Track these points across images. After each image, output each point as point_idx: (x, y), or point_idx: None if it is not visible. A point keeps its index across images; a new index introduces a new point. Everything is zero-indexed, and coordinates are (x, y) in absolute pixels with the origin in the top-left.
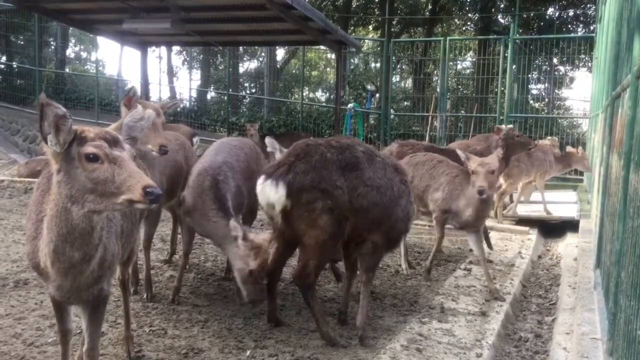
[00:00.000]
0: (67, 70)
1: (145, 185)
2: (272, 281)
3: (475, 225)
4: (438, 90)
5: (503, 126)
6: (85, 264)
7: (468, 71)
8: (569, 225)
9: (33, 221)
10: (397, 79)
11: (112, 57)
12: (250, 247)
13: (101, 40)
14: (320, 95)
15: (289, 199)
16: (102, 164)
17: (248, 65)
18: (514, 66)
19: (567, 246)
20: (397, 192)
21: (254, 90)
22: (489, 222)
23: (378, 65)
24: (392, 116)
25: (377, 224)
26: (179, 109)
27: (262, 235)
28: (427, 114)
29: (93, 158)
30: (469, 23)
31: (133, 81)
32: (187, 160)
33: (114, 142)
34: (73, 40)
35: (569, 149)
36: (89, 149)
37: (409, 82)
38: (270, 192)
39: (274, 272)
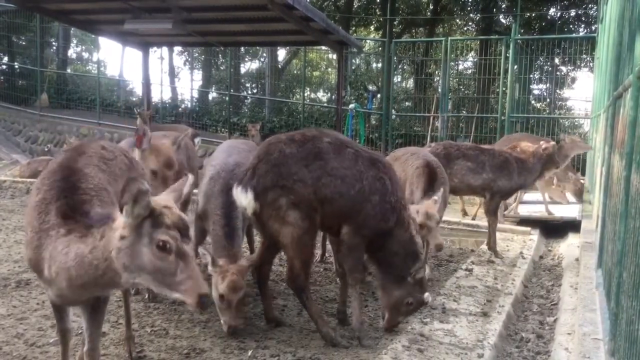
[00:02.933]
0: (68, 70)
1: (202, 293)
2: (260, 279)
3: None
4: (439, 90)
5: (550, 144)
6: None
7: (469, 71)
8: (571, 226)
9: (35, 230)
10: (399, 80)
11: (114, 58)
12: (219, 273)
13: (103, 40)
14: (322, 95)
15: (256, 201)
16: (170, 255)
17: (249, 65)
18: (515, 66)
19: (568, 246)
20: (367, 186)
21: (255, 91)
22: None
23: (379, 65)
24: (393, 116)
25: (344, 217)
26: (180, 109)
27: (240, 262)
28: (428, 115)
29: (164, 247)
30: (470, 23)
31: (135, 82)
32: (190, 161)
33: (185, 231)
34: (75, 41)
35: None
36: (165, 237)
37: (410, 83)
38: (241, 199)
39: (261, 269)
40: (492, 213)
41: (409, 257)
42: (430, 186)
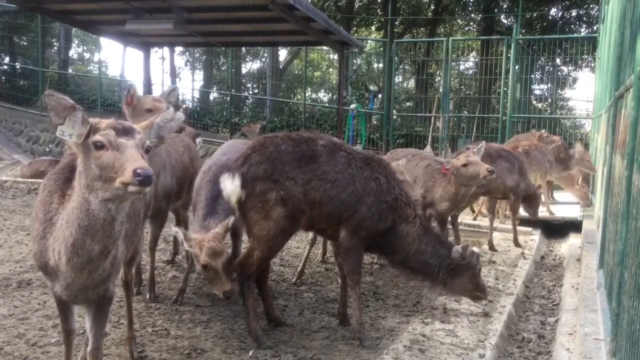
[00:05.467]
0: (70, 71)
1: (135, 167)
2: (260, 279)
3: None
4: (441, 90)
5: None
6: (103, 259)
7: (471, 71)
8: (572, 226)
9: (40, 221)
10: (400, 80)
11: (115, 58)
12: (195, 245)
13: (104, 41)
14: (323, 95)
15: (243, 189)
16: (106, 151)
17: (250, 65)
18: (516, 66)
19: (570, 247)
20: (361, 188)
21: (256, 91)
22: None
23: (381, 65)
24: (394, 117)
25: (336, 219)
26: (181, 110)
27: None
28: (429, 115)
29: (100, 145)
30: (471, 23)
31: (136, 82)
32: (192, 162)
33: (123, 132)
34: (76, 41)
35: (571, 151)
36: (97, 137)
37: (411, 83)
38: (227, 184)
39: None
40: (516, 211)
41: (439, 248)
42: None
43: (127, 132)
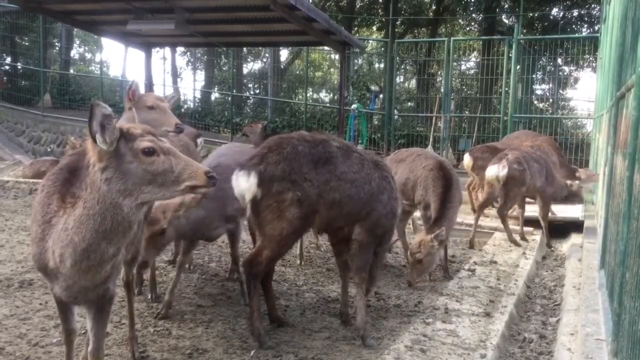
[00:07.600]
0: (71, 71)
1: (206, 171)
2: (264, 279)
3: None
4: (442, 90)
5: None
6: (112, 260)
7: (472, 71)
8: (574, 226)
9: (39, 223)
10: (401, 80)
11: (117, 58)
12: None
13: (105, 41)
14: (324, 95)
15: (259, 187)
16: (158, 157)
17: (252, 66)
18: (518, 66)
19: (571, 247)
20: (376, 187)
21: (257, 91)
22: (493, 223)
23: (382, 65)
24: (395, 117)
25: (354, 218)
26: (183, 110)
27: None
28: (431, 115)
29: (149, 152)
30: (473, 23)
31: (138, 79)
32: None
33: (155, 135)
34: (77, 42)
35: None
36: (145, 143)
37: (412, 83)
38: (242, 181)
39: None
40: (546, 214)
41: None
42: (446, 187)
43: (155, 136)
